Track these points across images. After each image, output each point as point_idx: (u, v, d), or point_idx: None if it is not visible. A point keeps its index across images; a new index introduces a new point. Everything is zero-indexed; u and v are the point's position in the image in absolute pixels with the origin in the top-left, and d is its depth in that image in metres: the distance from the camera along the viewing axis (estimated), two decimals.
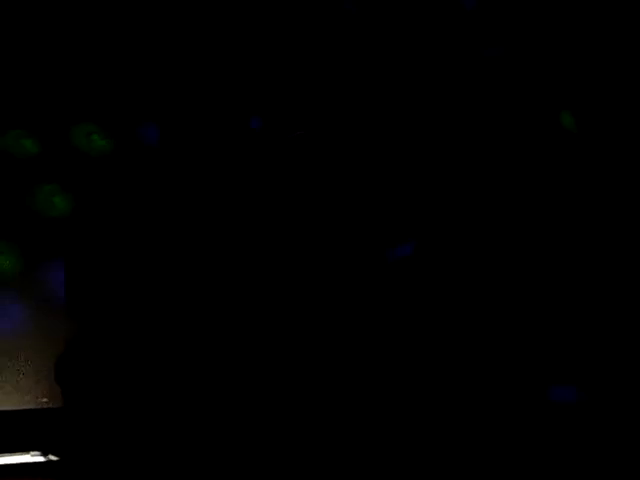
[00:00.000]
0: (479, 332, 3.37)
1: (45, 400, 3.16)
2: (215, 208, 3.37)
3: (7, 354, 3.18)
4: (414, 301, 3.40)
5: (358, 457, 3.27)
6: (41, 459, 3.09)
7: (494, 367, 3.34)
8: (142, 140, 3.35)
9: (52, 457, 3.09)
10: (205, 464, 3.18)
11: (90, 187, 3.28)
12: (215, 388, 3.24)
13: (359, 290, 3.40)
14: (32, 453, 3.10)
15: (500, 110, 3.49)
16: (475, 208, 3.45)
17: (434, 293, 3.41)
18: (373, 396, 3.33)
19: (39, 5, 3.29)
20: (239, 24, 3.43)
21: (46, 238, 3.22)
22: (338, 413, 3.30)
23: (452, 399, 3.33)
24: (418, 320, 3.39)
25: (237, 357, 3.29)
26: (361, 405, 3.32)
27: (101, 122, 3.31)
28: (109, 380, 3.18)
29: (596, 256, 3.37)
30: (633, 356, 3.27)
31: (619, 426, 3.22)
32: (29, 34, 3.27)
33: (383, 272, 3.42)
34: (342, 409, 3.31)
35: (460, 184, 3.47)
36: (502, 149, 3.48)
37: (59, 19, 3.30)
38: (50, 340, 3.19)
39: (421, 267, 3.42)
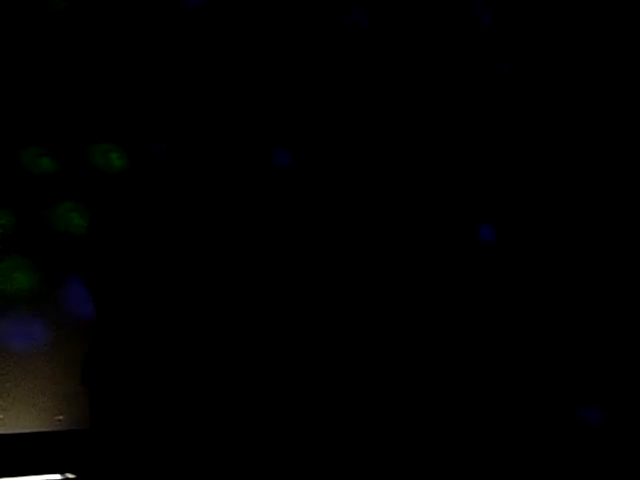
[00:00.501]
0: (503, 348, 3.36)
1: (61, 418, 3.14)
2: (220, 217, 3.38)
3: (27, 373, 3.17)
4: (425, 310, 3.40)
5: (357, 456, 3.24)
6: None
7: (521, 386, 3.33)
8: (155, 156, 3.37)
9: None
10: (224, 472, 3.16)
11: (107, 203, 3.30)
12: (240, 403, 3.23)
13: (358, 290, 3.40)
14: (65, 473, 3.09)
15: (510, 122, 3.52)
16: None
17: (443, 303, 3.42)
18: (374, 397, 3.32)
19: (55, 25, 3.33)
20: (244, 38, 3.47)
21: (64, 254, 3.22)
22: (337, 412, 3.28)
23: (474, 417, 3.32)
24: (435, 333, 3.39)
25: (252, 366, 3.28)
26: (361, 405, 3.30)
27: (117, 140, 3.34)
28: (134, 397, 3.16)
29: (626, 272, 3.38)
30: None
31: None
32: (47, 53, 3.30)
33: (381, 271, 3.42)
34: (341, 408, 3.28)
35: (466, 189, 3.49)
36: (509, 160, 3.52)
37: (74, 39, 3.33)
38: (70, 358, 3.18)
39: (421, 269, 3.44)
